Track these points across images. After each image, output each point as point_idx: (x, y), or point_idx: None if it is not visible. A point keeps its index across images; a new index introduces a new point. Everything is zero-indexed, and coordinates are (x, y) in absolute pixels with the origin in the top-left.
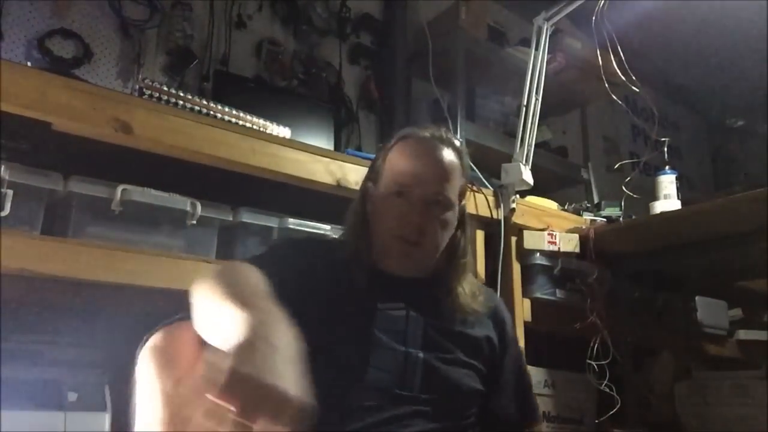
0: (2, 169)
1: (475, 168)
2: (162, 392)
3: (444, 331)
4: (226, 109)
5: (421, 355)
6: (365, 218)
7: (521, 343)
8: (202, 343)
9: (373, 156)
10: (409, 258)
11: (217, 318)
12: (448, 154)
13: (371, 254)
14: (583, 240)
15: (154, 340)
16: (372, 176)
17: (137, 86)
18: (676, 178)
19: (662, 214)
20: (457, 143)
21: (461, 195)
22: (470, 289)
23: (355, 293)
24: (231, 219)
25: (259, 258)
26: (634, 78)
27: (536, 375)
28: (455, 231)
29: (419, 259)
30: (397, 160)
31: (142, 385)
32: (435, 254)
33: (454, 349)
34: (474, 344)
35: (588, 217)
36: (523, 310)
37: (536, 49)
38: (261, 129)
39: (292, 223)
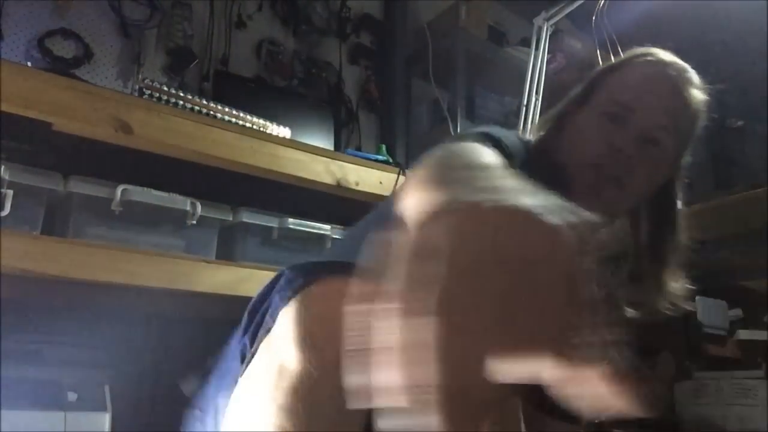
0: (2, 169)
1: None
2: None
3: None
4: (226, 109)
5: None
6: (557, 143)
7: None
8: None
9: (373, 156)
10: (599, 197)
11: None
12: (694, 95)
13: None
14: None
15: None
16: (577, 98)
17: (137, 86)
18: None
19: None
20: (704, 95)
21: (682, 151)
22: (682, 287)
23: None
24: (231, 219)
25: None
26: None
27: None
28: (667, 195)
29: (609, 204)
30: (627, 77)
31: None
32: (625, 208)
33: None
34: None
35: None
36: None
37: (536, 49)
38: (261, 129)
39: (292, 223)
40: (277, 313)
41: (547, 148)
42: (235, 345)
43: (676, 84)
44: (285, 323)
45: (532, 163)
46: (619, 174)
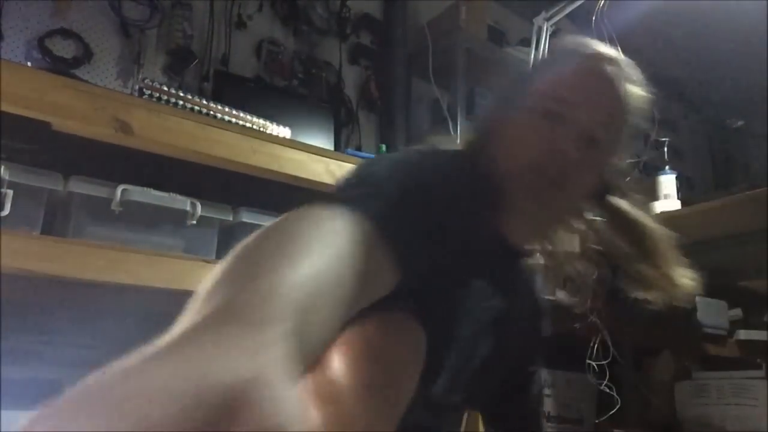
0: (2, 169)
1: None
2: None
3: None
4: (226, 109)
5: None
6: (487, 152)
7: None
8: None
9: (373, 156)
10: (540, 201)
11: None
12: (634, 92)
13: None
14: (583, 239)
15: None
16: (508, 96)
17: (137, 86)
18: (676, 178)
19: (662, 214)
20: (644, 91)
21: (619, 150)
22: (688, 274)
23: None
24: (231, 219)
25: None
26: None
27: None
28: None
29: (551, 209)
30: (563, 72)
31: None
32: (567, 212)
33: None
34: None
35: (588, 216)
36: None
37: (536, 48)
38: (261, 129)
39: None
40: None
41: (479, 153)
42: None
43: (616, 79)
44: None
45: (468, 172)
46: (561, 177)
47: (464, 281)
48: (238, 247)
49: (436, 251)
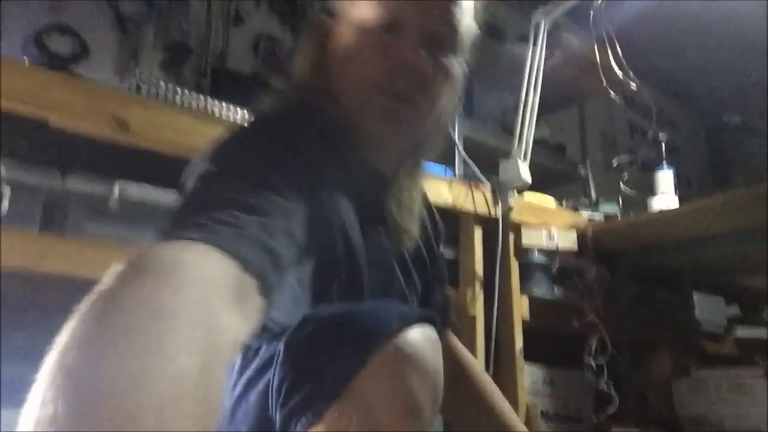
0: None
1: (472, 163)
2: None
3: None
4: (224, 106)
5: None
6: (325, 73)
7: (520, 342)
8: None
9: None
10: (396, 123)
11: None
12: None
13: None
14: (581, 237)
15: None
16: (331, 17)
17: (134, 82)
18: (674, 175)
19: (660, 211)
20: None
21: (464, 47)
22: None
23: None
24: None
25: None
26: (631, 74)
27: (534, 373)
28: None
29: (409, 130)
30: None
31: None
32: (424, 129)
33: None
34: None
35: (586, 213)
36: (522, 308)
37: (534, 45)
38: None
39: None
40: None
41: (321, 91)
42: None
43: None
44: None
45: (317, 123)
46: (412, 91)
47: (360, 233)
48: (73, 326)
49: (321, 220)
